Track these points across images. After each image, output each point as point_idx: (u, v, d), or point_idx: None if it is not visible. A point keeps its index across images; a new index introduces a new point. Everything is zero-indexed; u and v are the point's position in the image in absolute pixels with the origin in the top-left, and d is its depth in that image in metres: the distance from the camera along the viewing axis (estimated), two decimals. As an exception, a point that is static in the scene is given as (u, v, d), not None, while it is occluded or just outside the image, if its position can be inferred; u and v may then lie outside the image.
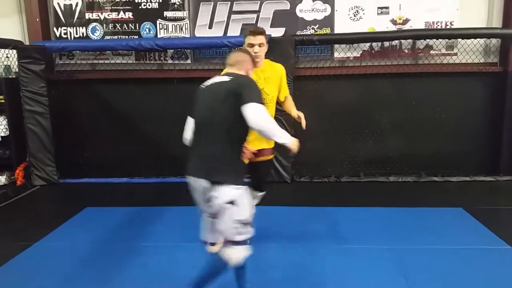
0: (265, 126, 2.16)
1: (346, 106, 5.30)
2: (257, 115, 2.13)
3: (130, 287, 2.84)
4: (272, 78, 3.02)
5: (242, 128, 2.23)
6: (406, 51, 5.24)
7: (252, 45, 2.86)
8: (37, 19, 5.34)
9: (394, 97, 5.31)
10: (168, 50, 5.37)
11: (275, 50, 5.00)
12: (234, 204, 2.20)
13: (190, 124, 2.48)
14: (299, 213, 4.16)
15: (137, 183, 5.37)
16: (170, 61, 5.43)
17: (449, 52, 5.20)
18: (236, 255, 2.24)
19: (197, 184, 2.28)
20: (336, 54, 5.30)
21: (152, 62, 5.46)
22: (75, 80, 5.46)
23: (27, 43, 5.44)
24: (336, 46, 5.28)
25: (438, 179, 5.23)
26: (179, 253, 3.30)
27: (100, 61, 5.51)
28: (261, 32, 2.92)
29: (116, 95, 5.49)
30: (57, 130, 5.43)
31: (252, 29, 2.93)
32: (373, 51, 5.26)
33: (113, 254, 3.34)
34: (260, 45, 2.86)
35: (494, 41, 5.22)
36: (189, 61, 5.40)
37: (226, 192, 2.19)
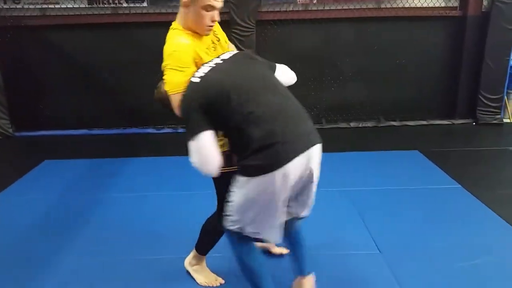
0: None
1: (309, 52, 5.24)
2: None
3: (92, 238, 2.84)
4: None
5: None
6: (369, -5, 5.17)
7: (212, 9, 1.83)
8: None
9: (356, 43, 5.29)
10: (122, -8, 5.07)
11: (236, -8, 4.85)
12: None
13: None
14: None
15: (97, 134, 5.23)
16: (125, 5, 5.14)
17: (411, -6, 5.18)
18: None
19: (313, 156, 1.75)
20: (299, -3, 5.16)
21: (105, 6, 5.15)
22: (23, 26, 5.10)
23: (-37, -17, 5.00)
24: (299, -12, 5.14)
25: (396, 124, 5.37)
26: (141, 203, 3.30)
27: (50, 6, 5.14)
28: None
29: (70, 42, 5.19)
30: (8, 80, 5.15)
31: None
32: (336, -5, 5.16)
33: (74, 206, 3.30)
34: (218, 10, 1.88)
35: (454, -17, 5.23)
36: (145, 4, 5.12)
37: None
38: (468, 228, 2.84)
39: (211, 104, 1.67)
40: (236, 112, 1.66)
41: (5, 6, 5.12)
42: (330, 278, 2.36)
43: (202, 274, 2.34)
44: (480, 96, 5.26)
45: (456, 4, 5.26)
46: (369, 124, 5.39)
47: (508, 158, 4.24)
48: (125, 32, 5.11)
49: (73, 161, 4.29)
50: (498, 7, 4.97)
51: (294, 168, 1.66)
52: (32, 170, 4.07)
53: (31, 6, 5.12)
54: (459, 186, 3.49)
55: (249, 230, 1.78)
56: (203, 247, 2.31)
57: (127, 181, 3.74)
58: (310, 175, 1.78)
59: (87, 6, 5.14)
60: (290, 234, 2.05)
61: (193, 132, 1.66)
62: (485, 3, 5.12)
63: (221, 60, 1.82)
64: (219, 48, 1.99)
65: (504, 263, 2.46)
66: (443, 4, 5.25)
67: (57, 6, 5.12)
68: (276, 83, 1.84)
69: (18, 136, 5.23)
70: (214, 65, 1.78)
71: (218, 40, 2.01)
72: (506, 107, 5.40)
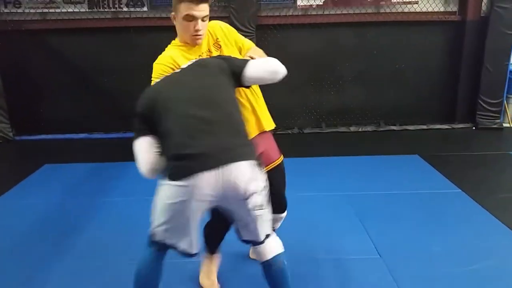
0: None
1: (308, 56, 5.26)
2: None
3: (92, 242, 2.83)
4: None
5: None
6: None
7: (192, 18, 1.87)
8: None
9: (356, 47, 5.31)
10: (122, -3, 5.10)
11: (236, -3, 4.87)
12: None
13: None
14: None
15: (97, 138, 5.23)
16: (125, 9, 5.15)
17: (410, 0, 5.19)
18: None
19: (236, 173, 1.63)
20: (299, 2, 5.18)
21: (106, 10, 5.16)
22: (24, 30, 5.12)
23: (-35, -12, 5.02)
24: (299, -7, 5.16)
25: (396, 128, 5.38)
26: (142, 207, 3.28)
27: (51, 10, 5.16)
28: None
29: (70, 47, 5.21)
30: (8, 84, 5.15)
31: None
32: (335, -1, 5.18)
33: (74, 210, 3.30)
34: (203, 18, 1.89)
35: (454, -11, 5.25)
36: (145, 9, 5.14)
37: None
38: (468, 232, 2.84)
39: (145, 114, 1.77)
40: (158, 124, 1.72)
41: (5, 10, 5.14)
42: (330, 283, 2.35)
43: (204, 275, 2.36)
44: (479, 101, 5.27)
45: (455, 9, 5.29)
46: (369, 128, 5.39)
47: (507, 162, 4.25)
48: (125, 36, 5.12)
49: (73, 165, 4.29)
50: (497, 12, 4.99)
51: (206, 183, 1.60)
52: (32, 174, 4.06)
53: (31, 11, 5.14)
54: (459, 190, 3.49)
55: (159, 234, 1.75)
56: (208, 246, 2.34)
57: (127, 185, 3.73)
58: (239, 194, 1.64)
59: (87, 10, 5.15)
60: (263, 265, 1.87)
61: (133, 137, 1.79)
62: (484, 8, 5.15)
63: (180, 69, 1.87)
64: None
65: (504, 267, 2.46)
66: (442, 9, 5.28)
67: (57, 10, 5.15)
68: (214, 95, 1.77)
69: (19, 140, 5.23)
70: (169, 75, 1.86)
71: (220, 47, 2.02)
72: (505, 111, 5.41)
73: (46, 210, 3.32)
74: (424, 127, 5.38)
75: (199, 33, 1.91)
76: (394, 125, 5.42)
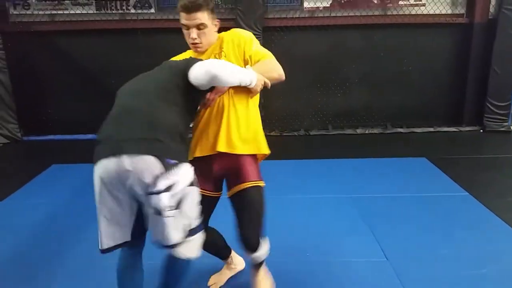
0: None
1: (315, 58, 5.26)
2: None
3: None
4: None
5: None
6: (375, 1, 5.17)
7: (187, 27, 1.85)
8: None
9: (363, 49, 5.30)
10: (130, -1, 5.13)
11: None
12: None
13: None
14: (268, 166, 4.20)
15: (104, 139, 5.25)
16: (132, 11, 5.18)
17: (417, 2, 5.17)
18: None
19: (127, 165, 1.60)
20: (305, 4, 5.18)
21: (113, 12, 5.20)
22: (33, 32, 5.16)
23: (-25, -9, 5.07)
24: (306, -5, 5.16)
25: (403, 130, 5.36)
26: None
27: (59, 12, 5.21)
28: (199, 5, 1.80)
29: (78, 48, 5.25)
30: (17, 85, 5.20)
31: (184, 2, 1.81)
32: (342, 1, 5.17)
33: (81, 210, 3.31)
34: (199, 27, 1.84)
35: (461, -9, 5.23)
36: (152, 10, 5.17)
37: None
38: (475, 236, 2.82)
39: None
40: None
41: (15, 12, 5.19)
42: (336, 285, 2.35)
43: (214, 275, 2.40)
44: (487, 103, 5.24)
45: (462, 11, 5.27)
46: (376, 130, 5.38)
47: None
48: (132, 38, 5.16)
49: (81, 166, 4.29)
50: (505, 14, 4.97)
51: (103, 170, 1.62)
52: (40, 174, 4.09)
53: (40, 12, 5.19)
54: (467, 193, 3.47)
55: None
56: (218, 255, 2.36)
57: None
58: (143, 188, 1.59)
59: (95, 12, 5.19)
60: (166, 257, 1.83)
61: None
62: (492, 10, 5.12)
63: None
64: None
65: (513, 271, 2.44)
66: (449, 11, 5.26)
67: (65, 12, 5.19)
68: (147, 87, 1.76)
69: (26, 140, 5.28)
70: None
71: (225, 57, 1.91)
72: (513, 114, 5.38)
73: (53, 209, 3.34)
74: (431, 129, 5.36)
75: (196, 41, 1.87)
76: (401, 127, 5.40)
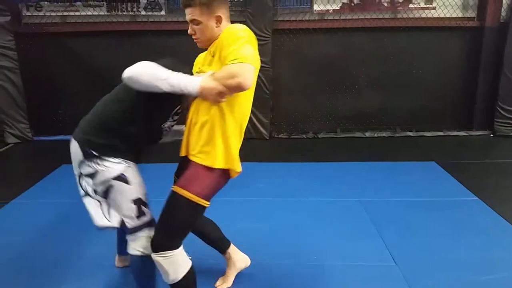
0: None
1: (324, 61, 5.25)
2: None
3: (109, 241, 2.86)
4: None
5: None
6: (386, 4, 5.16)
7: (188, 22, 1.87)
8: (0, -33, 5.02)
9: (372, 52, 5.29)
10: (140, 1, 5.16)
11: (252, 1, 4.89)
12: None
13: None
14: (276, 169, 4.22)
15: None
16: (143, 13, 5.22)
17: (428, 6, 5.15)
18: None
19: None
20: (315, 7, 5.18)
21: (124, 13, 5.24)
22: (45, 33, 5.22)
23: (-11, -8, 5.14)
24: (316, -3, 5.16)
25: (412, 134, 5.34)
26: (155, 208, 3.32)
27: (71, 13, 5.26)
28: (189, 1, 1.80)
29: (89, 49, 5.29)
30: (28, 85, 5.26)
31: None
32: (352, 4, 5.17)
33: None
34: (193, 22, 1.82)
35: (473, -5, 5.19)
36: (163, 12, 5.20)
37: None
38: (485, 242, 2.79)
39: None
40: None
41: (28, 14, 5.25)
42: (344, 289, 2.34)
43: (221, 277, 2.41)
44: (498, 108, 5.20)
45: (473, 14, 5.23)
46: (385, 134, 5.35)
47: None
48: (143, 39, 5.19)
49: (90, 166, 4.34)
50: (517, 18, 4.92)
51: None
52: (50, 174, 4.13)
53: (52, 14, 5.24)
54: (477, 198, 3.44)
55: None
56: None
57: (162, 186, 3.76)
58: (75, 170, 1.94)
59: (106, 13, 5.24)
60: None
61: None
62: (503, 13, 5.08)
63: None
64: (215, 64, 1.81)
65: (523, 277, 2.41)
66: (460, 15, 5.22)
67: (77, 13, 5.24)
68: (116, 89, 2.01)
69: (37, 140, 5.33)
70: None
71: (213, 56, 1.84)
72: (524, 119, 5.32)
73: (63, 209, 3.36)
74: (441, 133, 5.33)
75: (193, 36, 1.86)
76: (411, 131, 5.37)
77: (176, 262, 1.86)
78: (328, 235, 2.91)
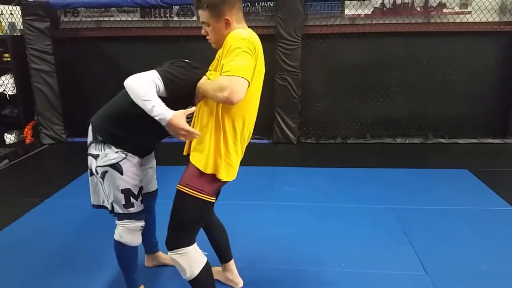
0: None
1: (354, 66, 5.21)
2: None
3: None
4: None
5: None
6: (419, 9, 5.07)
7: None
8: (40, -25, 5.23)
9: (404, 57, 5.20)
10: (173, 7, 5.26)
11: (283, 6, 4.90)
12: None
13: None
14: (304, 174, 4.20)
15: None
16: (175, 18, 5.33)
17: (462, 10, 5.03)
18: None
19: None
20: (346, 11, 5.15)
21: (157, 19, 5.36)
22: (80, 37, 5.41)
23: (31, -1, 5.35)
24: (347, 2, 5.11)
25: (445, 141, 5.21)
26: (159, 209, 3.36)
27: (105, 18, 5.43)
28: (197, 4, 1.83)
29: (122, 53, 5.44)
30: (64, 89, 5.43)
31: None
32: (384, 9, 5.11)
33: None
34: (203, 23, 1.86)
35: (511, -2, 5.04)
36: (194, 18, 5.29)
37: None
38: (521, 253, 2.70)
39: None
40: None
41: (65, 19, 5.44)
42: (373, 297, 2.30)
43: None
44: (535, 115, 5.02)
45: (511, 19, 5.07)
46: (416, 140, 5.25)
47: None
48: (175, 45, 5.29)
49: (121, 167, 4.44)
50: (558, 22, 4.74)
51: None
52: (82, 175, 4.24)
53: (88, 19, 5.41)
54: (511, 208, 3.33)
55: None
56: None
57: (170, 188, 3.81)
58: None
59: (139, 19, 5.37)
60: None
61: None
62: (543, 18, 4.92)
63: None
64: (219, 69, 1.79)
65: (562, 292, 2.31)
66: (497, 19, 5.08)
67: (111, 19, 5.40)
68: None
69: (71, 142, 5.50)
70: None
71: (219, 61, 1.84)
72: None
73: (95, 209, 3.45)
74: (475, 141, 5.18)
75: (207, 37, 1.89)
76: (443, 138, 5.24)
77: (191, 259, 1.91)
78: (356, 242, 2.88)
